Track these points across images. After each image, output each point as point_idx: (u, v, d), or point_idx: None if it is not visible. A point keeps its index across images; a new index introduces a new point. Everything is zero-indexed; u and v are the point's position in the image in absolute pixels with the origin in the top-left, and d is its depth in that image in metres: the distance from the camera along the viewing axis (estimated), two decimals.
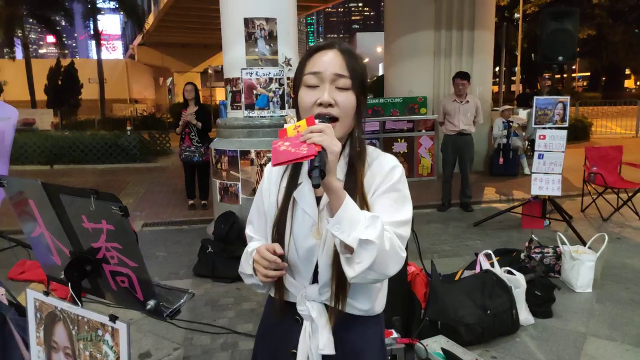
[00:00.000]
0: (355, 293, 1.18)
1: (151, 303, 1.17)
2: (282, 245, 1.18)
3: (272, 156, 1.01)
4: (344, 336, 1.21)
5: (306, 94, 1.15)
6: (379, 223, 1.01)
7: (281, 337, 1.26)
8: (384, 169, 1.16)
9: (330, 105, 1.12)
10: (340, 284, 1.14)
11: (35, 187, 1.23)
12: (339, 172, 1.15)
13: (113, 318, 1.19)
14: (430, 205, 6.54)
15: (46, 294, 1.37)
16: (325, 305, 1.18)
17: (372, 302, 1.22)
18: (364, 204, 1.12)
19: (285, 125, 1.07)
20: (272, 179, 1.27)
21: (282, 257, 1.14)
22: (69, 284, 1.27)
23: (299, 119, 1.16)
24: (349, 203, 1.01)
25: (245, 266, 1.24)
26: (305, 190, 1.18)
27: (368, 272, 1.02)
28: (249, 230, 1.33)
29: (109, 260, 1.19)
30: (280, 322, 1.26)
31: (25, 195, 1.30)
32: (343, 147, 1.17)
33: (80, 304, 1.27)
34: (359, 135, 1.19)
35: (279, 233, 1.19)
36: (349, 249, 1.01)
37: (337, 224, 1.00)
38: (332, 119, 1.12)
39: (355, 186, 1.14)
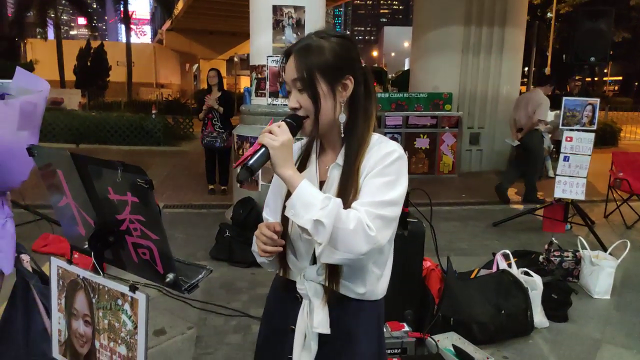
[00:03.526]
0: (351, 276, 1.22)
1: (170, 276, 1.20)
2: (286, 225, 1.24)
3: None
4: (339, 317, 1.24)
5: (288, 99, 1.25)
6: (331, 204, 1.07)
7: (282, 313, 1.33)
8: (380, 154, 1.19)
9: (295, 108, 1.21)
10: (333, 266, 1.19)
11: (64, 158, 1.26)
12: (339, 157, 1.23)
13: (133, 288, 1.23)
14: (449, 203, 6.50)
15: (69, 262, 1.42)
16: (324, 286, 1.23)
17: (368, 286, 1.25)
18: (355, 188, 1.17)
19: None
20: None
21: (283, 234, 1.22)
22: (92, 254, 1.31)
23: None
24: (303, 187, 1.10)
25: (255, 245, 1.30)
26: (311, 175, 1.26)
27: (332, 250, 1.08)
28: (265, 213, 1.37)
29: (132, 233, 1.22)
30: (283, 299, 1.32)
31: (54, 165, 1.34)
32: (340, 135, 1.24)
33: (101, 274, 1.31)
34: (350, 122, 1.23)
35: (283, 213, 1.24)
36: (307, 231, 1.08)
37: (291, 208, 1.10)
38: (304, 117, 1.21)
39: (351, 170, 1.19)
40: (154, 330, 3.00)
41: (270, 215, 1.35)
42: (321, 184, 1.25)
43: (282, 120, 1.17)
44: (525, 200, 6.61)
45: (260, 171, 4.48)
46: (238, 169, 1.21)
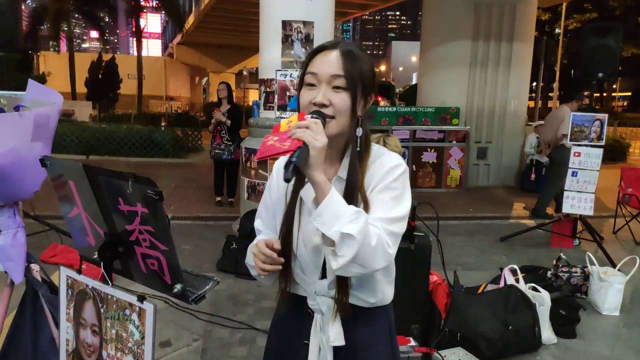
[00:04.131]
0: (360, 287, 1.22)
1: (178, 287, 1.21)
2: (290, 241, 1.22)
3: (258, 149, 1.05)
4: (353, 328, 1.24)
5: (304, 93, 1.18)
6: (362, 218, 1.04)
7: (294, 328, 1.31)
8: (384, 168, 1.18)
9: (324, 105, 1.14)
10: (343, 279, 1.18)
11: (76, 169, 1.29)
12: (341, 171, 1.20)
13: (141, 298, 1.24)
14: (456, 217, 6.47)
15: (79, 272, 1.43)
16: (335, 299, 1.22)
17: (378, 294, 1.26)
18: (363, 201, 1.16)
19: (281, 120, 1.12)
20: (281, 176, 1.29)
21: (288, 250, 1.20)
22: (101, 264, 1.32)
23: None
24: (333, 197, 1.04)
25: (250, 259, 1.27)
26: (311, 189, 1.21)
27: (351, 265, 1.05)
28: (257, 224, 1.37)
29: (141, 243, 1.23)
30: (293, 314, 1.31)
31: (66, 176, 1.37)
32: (346, 145, 1.21)
33: (110, 284, 1.32)
34: (362, 134, 1.20)
35: (287, 229, 1.23)
36: (330, 242, 1.04)
37: (319, 216, 1.04)
38: (329, 117, 1.15)
39: (355, 184, 1.17)
40: (159, 341, 3.00)
41: (262, 227, 1.34)
42: None
43: (313, 117, 1.10)
44: (533, 213, 6.57)
45: (267, 183, 4.40)
46: (275, 166, 1.18)
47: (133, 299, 1.26)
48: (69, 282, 1.46)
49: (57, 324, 1.78)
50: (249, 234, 4.46)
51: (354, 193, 1.16)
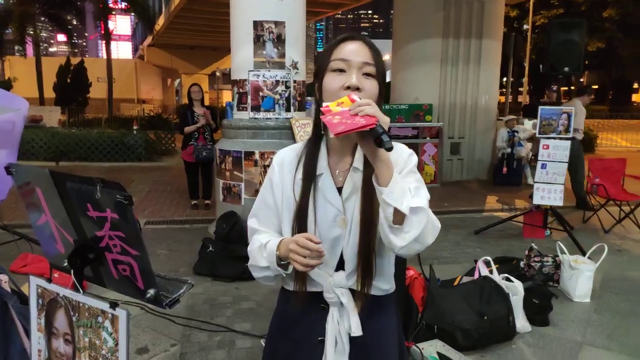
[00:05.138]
0: (380, 275, 1.24)
1: (151, 292, 1.20)
2: None
3: (329, 128, 1.03)
4: (368, 316, 1.25)
5: (333, 78, 1.19)
6: (423, 192, 1.08)
7: (305, 327, 1.29)
8: (403, 156, 1.20)
9: (357, 89, 1.15)
10: (367, 270, 1.19)
11: (43, 176, 1.27)
12: (357, 162, 1.21)
13: (113, 305, 1.23)
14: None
15: (49, 280, 1.41)
16: (350, 289, 1.23)
17: (391, 282, 1.29)
18: None
19: (325, 104, 1.11)
20: (285, 171, 1.28)
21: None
22: (72, 272, 1.30)
23: (321, 105, 1.17)
24: (396, 174, 1.06)
25: (259, 259, 1.25)
26: (327, 181, 1.22)
27: (414, 243, 1.07)
28: (252, 223, 1.33)
29: (112, 249, 1.22)
30: (305, 312, 1.28)
31: (32, 183, 1.34)
32: None
33: (81, 291, 1.30)
34: None
35: (301, 224, 1.21)
36: (398, 220, 1.05)
37: (391, 192, 1.04)
38: None
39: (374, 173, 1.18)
40: (136, 348, 2.96)
41: (259, 225, 1.31)
42: (338, 190, 1.22)
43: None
44: (578, 207, 6.60)
45: (243, 184, 4.44)
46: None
47: (105, 306, 1.24)
48: (39, 292, 1.43)
49: (28, 335, 1.74)
50: (225, 237, 4.43)
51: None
